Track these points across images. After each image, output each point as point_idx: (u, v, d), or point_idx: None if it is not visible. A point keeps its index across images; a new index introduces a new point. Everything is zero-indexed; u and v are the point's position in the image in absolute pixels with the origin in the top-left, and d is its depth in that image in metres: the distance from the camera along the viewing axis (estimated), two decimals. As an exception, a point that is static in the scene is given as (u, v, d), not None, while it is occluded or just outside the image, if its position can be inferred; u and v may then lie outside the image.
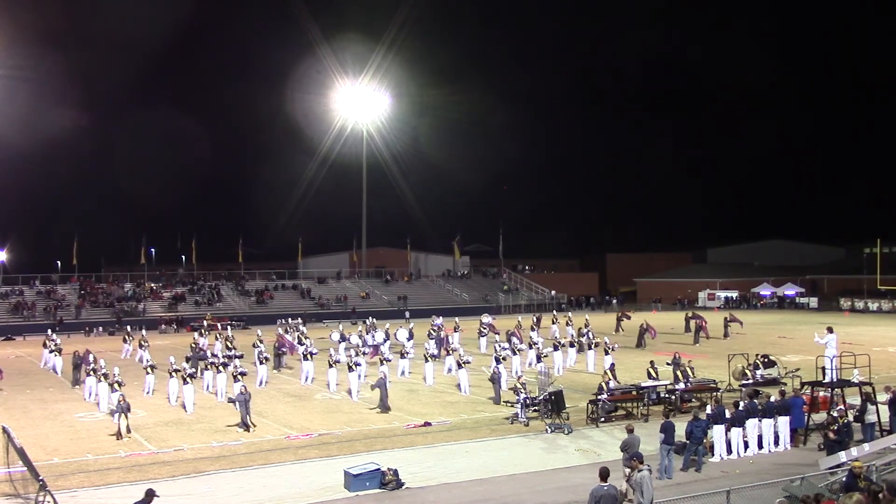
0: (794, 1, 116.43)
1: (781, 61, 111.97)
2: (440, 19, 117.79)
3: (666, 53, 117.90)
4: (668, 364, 24.67)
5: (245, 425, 20.09)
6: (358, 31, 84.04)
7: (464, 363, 26.00)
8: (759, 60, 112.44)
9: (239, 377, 23.57)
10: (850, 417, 19.06)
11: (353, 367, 25.14)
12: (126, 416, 19.44)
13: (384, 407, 22.21)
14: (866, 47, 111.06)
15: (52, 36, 79.85)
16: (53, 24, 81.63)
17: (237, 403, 20.30)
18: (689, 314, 45.00)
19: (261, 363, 27.40)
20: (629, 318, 45.33)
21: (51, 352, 32.96)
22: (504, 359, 26.75)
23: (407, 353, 29.38)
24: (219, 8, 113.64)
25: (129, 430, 19.48)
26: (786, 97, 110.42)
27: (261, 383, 26.91)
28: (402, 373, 28.66)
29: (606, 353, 28.17)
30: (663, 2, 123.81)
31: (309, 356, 28.04)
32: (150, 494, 11.98)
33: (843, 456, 15.95)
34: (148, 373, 25.50)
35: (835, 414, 16.08)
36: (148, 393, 25.18)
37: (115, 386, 21.93)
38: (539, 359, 26.97)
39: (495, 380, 23.52)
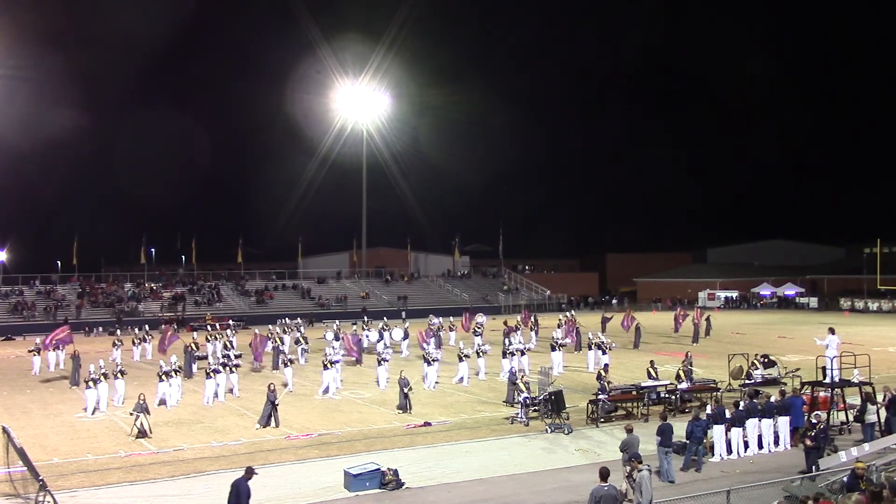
0: (794, 1, 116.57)
1: (782, 62, 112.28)
2: (440, 19, 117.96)
3: (666, 53, 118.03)
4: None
5: (267, 423, 20.28)
6: (358, 31, 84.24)
7: (433, 360, 26.29)
8: (760, 61, 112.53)
9: (212, 374, 24.02)
10: (847, 418, 19.13)
11: (329, 365, 25.57)
12: (146, 416, 19.50)
13: (405, 406, 22.27)
14: (867, 47, 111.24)
15: (52, 36, 79.97)
16: (53, 24, 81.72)
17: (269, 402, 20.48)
18: (678, 313, 45.26)
19: (285, 366, 26.56)
20: (610, 319, 45.26)
21: (29, 351, 32.97)
22: (475, 355, 27.21)
23: (436, 359, 27.49)
24: (219, 8, 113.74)
25: (149, 431, 19.51)
26: (786, 97, 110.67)
27: (285, 385, 25.88)
28: (425, 378, 26.94)
29: (604, 353, 28.26)
30: (663, 2, 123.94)
31: (330, 364, 27.49)
32: (250, 472, 12.48)
33: (843, 456, 15.97)
34: (162, 380, 25.06)
35: (813, 420, 16.00)
36: (163, 402, 24.67)
37: (91, 384, 22.23)
38: (508, 355, 27.39)
39: (512, 381, 23.42)
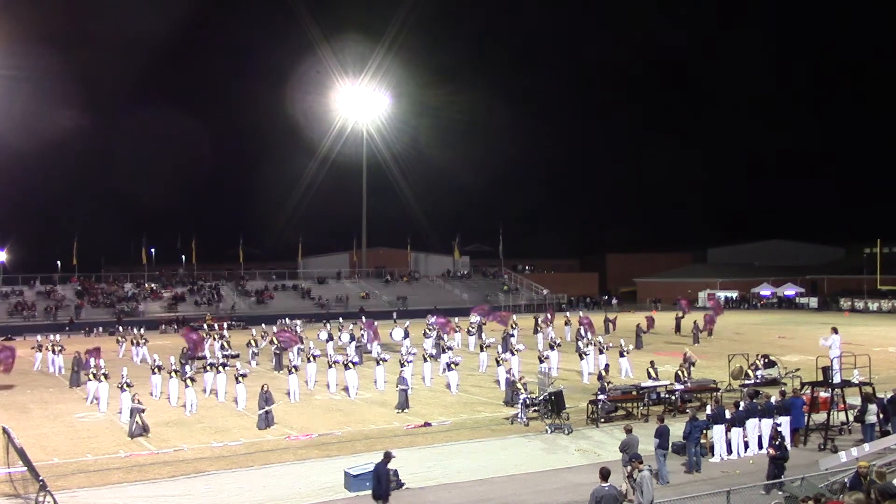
0: (795, 2, 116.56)
1: (782, 61, 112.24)
2: (440, 19, 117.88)
3: (666, 53, 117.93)
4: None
5: (266, 424, 20.29)
6: (358, 31, 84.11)
7: (454, 364, 26.06)
8: (760, 60, 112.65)
9: (240, 378, 23.61)
10: (847, 418, 19.13)
11: (312, 359, 26.80)
12: (141, 416, 19.51)
13: (402, 405, 22.34)
14: (866, 47, 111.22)
15: (52, 36, 79.95)
16: (53, 24, 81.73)
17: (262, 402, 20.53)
18: (678, 314, 45.44)
19: (290, 373, 25.36)
20: (613, 320, 45.20)
21: (32, 348, 33.24)
22: (505, 360, 26.91)
23: (455, 360, 26.93)
24: (219, 8, 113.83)
25: (147, 430, 19.55)
26: (786, 97, 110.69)
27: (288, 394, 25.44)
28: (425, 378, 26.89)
29: (601, 353, 28.26)
30: (664, 2, 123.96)
31: (312, 358, 27.70)
32: (388, 456, 13.04)
33: (843, 456, 15.96)
34: (154, 373, 25.19)
35: (779, 428, 15.91)
36: (154, 396, 24.65)
37: (125, 386, 21.69)
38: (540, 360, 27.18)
39: (511, 382, 23.44)
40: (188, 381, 22.92)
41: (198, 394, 24.25)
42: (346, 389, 25.28)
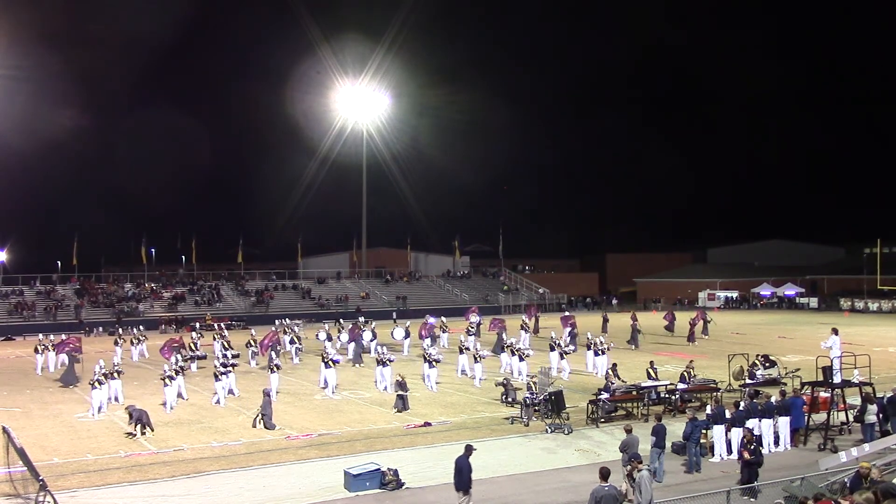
0: (795, 2, 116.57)
1: (782, 61, 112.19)
2: (440, 19, 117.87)
3: (666, 53, 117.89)
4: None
5: (265, 423, 20.30)
6: (358, 31, 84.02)
7: (435, 361, 26.12)
8: (760, 60, 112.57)
9: (221, 376, 23.74)
10: (847, 418, 19.13)
11: (331, 363, 25.93)
12: (141, 419, 19.56)
13: (402, 406, 22.38)
14: (867, 47, 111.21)
15: (52, 36, 79.96)
16: (53, 24, 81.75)
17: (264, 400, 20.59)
18: (666, 313, 45.63)
19: (272, 372, 25.36)
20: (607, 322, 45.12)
21: (35, 350, 33.16)
22: (482, 358, 27.12)
23: (437, 360, 26.89)
24: (219, 8, 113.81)
25: (146, 428, 19.61)
26: (786, 97, 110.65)
27: (325, 385, 25.81)
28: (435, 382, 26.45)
29: (597, 355, 28.25)
30: (664, 2, 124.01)
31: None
32: (469, 449, 13.36)
33: (843, 456, 15.97)
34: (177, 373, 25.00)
35: (755, 432, 15.79)
36: (184, 397, 24.47)
37: (96, 384, 22.00)
38: (521, 358, 27.23)
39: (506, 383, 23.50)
40: (167, 381, 22.82)
41: (199, 393, 24.30)
42: (325, 388, 25.44)
